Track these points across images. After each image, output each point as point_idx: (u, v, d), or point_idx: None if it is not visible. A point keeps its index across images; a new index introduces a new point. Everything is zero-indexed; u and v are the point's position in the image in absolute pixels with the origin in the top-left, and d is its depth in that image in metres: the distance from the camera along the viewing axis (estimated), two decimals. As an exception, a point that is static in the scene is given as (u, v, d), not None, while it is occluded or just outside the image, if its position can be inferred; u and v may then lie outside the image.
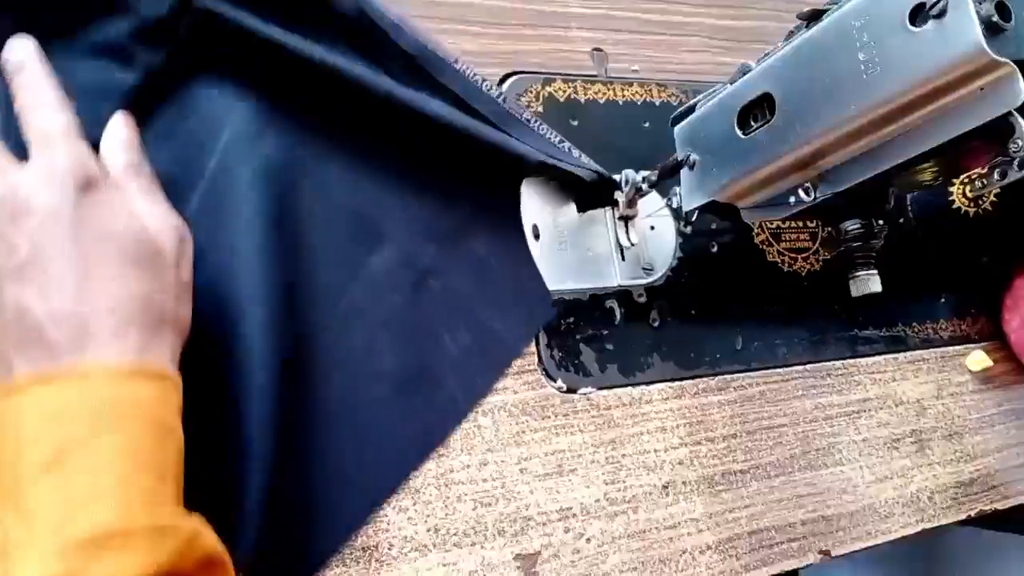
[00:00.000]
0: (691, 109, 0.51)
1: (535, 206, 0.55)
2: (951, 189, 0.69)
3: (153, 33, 0.41)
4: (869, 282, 0.49)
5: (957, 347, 0.68)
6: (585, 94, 0.60)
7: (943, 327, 0.67)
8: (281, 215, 0.42)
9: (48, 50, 0.38)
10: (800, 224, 0.64)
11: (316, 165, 0.46)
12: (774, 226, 0.63)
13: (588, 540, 0.50)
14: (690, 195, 0.51)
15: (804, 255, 0.64)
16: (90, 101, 0.39)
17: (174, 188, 0.40)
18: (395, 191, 0.48)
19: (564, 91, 0.59)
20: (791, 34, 0.46)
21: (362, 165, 0.47)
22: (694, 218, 0.54)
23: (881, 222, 0.48)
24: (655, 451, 0.54)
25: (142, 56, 0.41)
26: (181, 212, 0.39)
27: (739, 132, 0.46)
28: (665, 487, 0.53)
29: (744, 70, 0.47)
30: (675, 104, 0.63)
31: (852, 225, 0.49)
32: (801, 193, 0.45)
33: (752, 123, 0.46)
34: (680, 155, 0.51)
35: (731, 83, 0.48)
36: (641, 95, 0.62)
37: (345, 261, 0.45)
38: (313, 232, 0.45)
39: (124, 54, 0.41)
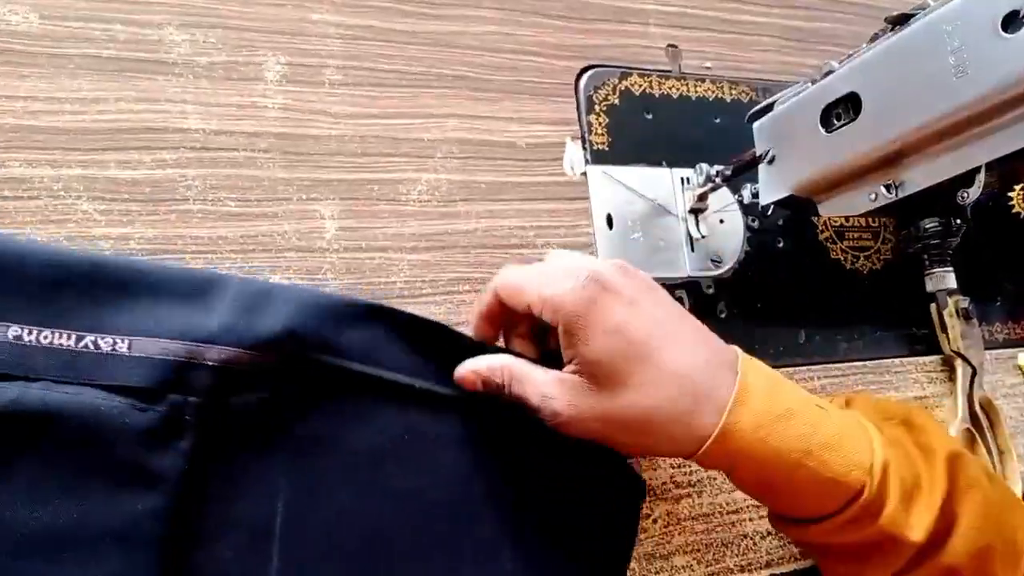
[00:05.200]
0: (770, 106, 0.53)
1: (608, 195, 0.57)
2: (1010, 194, 0.70)
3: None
4: (945, 278, 0.51)
5: (1011, 350, 0.68)
6: (660, 89, 0.61)
7: (998, 329, 0.68)
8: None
9: None
10: (864, 223, 0.66)
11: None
12: (838, 224, 0.64)
13: (655, 521, 0.51)
14: (768, 189, 0.52)
15: (866, 253, 0.65)
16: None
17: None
18: None
19: (640, 85, 0.61)
20: (875, 37, 0.47)
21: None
22: (770, 212, 0.55)
23: (959, 221, 0.49)
24: None
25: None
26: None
27: (823, 129, 0.48)
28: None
29: (828, 70, 0.48)
30: (746, 101, 0.64)
31: (931, 223, 0.50)
32: (883, 190, 0.46)
33: (835, 121, 0.47)
34: (759, 150, 0.52)
35: (814, 82, 0.49)
36: (713, 91, 0.63)
37: None
38: None
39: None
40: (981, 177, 0.48)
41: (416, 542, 0.41)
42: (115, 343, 0.37)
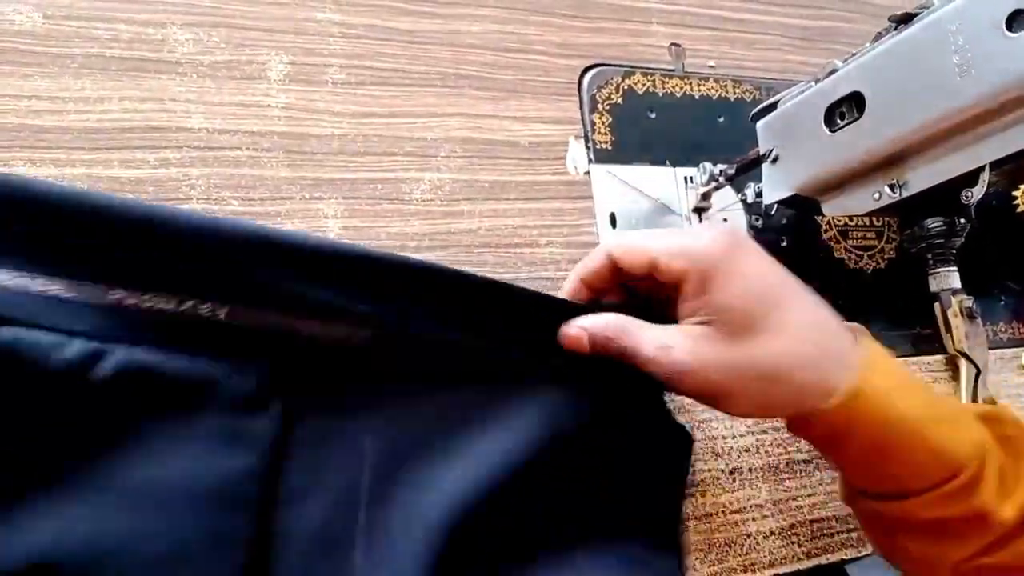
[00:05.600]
0: (773, 105, 0.53)
1: (612, 194, 0.57)
2: (1015, 193, 0.70)
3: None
4: (949, 278, 0.51)
5: (1015, 349, 0.68)
6: (663, 87, 0.61)
7: (1002, 329, 0.68)
8: None
9: None
10: (867, 223, 0.66)
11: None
12: (841, 223, 0.64)
13: (658, 520, 0.51)
14: (772, 188, 0.52)
15: (870, 252, 0.65)
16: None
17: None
18: None
19: (643, 84, 0.61)
20: (879, 36, 0.47)
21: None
22: (774, 211, 0.55)
23: (963, 220, 0.49)
24: (723, 438, 0.55)
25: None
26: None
27: (826, 129, 0.48)
28: (732, 473, 0.54)
29: (832, 69, 0.48)
30: (749, 100, 0.64)
31: (934, 223, 0.50)
32: (887, 189, 0.46)
33: (839, 120, 0.47)
34: (763, 149, 0.52)
35: (817, 81, 0.49)
36: (716, 90, 0.63)
37: None
38: None
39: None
40: (985, 176, 0.47)
41: (499, 507, 0.42)
42: (214, 309, 0.38)
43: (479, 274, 0.48)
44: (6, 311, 0.35)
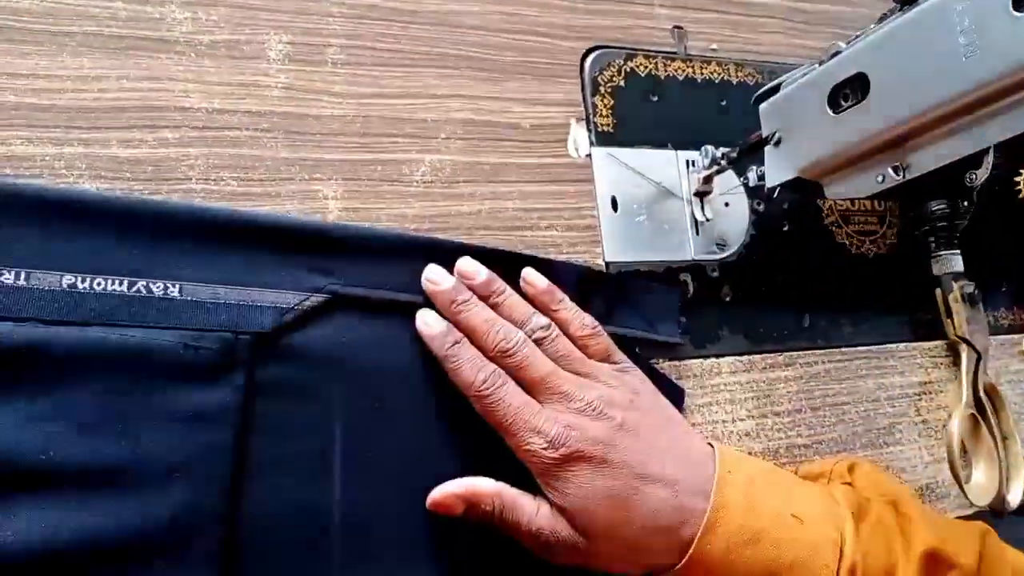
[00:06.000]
0: (776, 88, 0.52)
1: (613, 178, 0.57)
2: (1017, 179, 0.69)
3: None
4: (951, 261, 0.50)
5: (1016, 335, 0.68)
6: (665, 70, 0.61)
7: (1003, 315, 0.68)
8: None
9: None
10: (869, 207, 0.65)
11: None
12: (843, 208, 0.64)
13: (658, 503, 0.51)
14: (774, 171, 0.52)
15: (872, 237, 0.64)
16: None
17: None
18: None
19: (645, 67, 0.60)
20: (883, 17, 0.47)
21: None
22: (776, 194, 0.55)
23: (966, 203, 0.49)
24: (723, 422, 0.55)
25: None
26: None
27: (830, 111, 0.47)
28: None
29: (836, 51, 0.48)
30: (751, 83, 0.63)
31: (938, 205, 0.50)
32: (890, 172, 0.46)
33: (843, 103, 0.47)
34: (765, 132, 0.52)
35: (821, 63, 0.49)
36: (719, 73, 0.63)
37: None
38: None
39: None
40: (989, 159, 0.47)
41: (475, 457, 0.44)
42: (167, 288, 0.40)
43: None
44: None
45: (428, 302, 0.46)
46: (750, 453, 0.55)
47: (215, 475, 0.39)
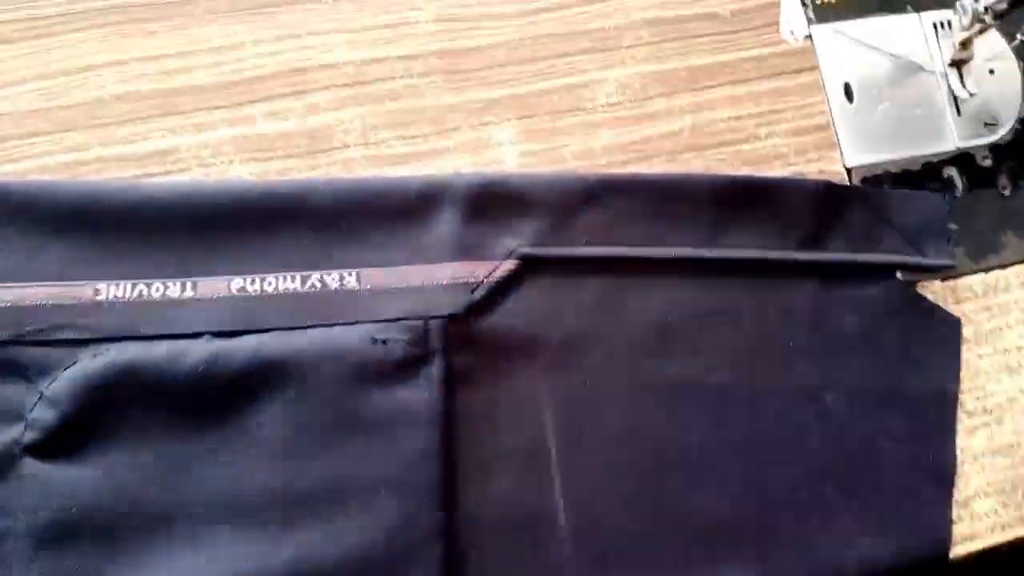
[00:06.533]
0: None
1: (843, 60, 0.46)
2: None
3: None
4: None
5: None
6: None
7: None
8: None
9: None
10: None
11: None
12: None
13: (942, 459, 0.42)
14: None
15: None
16: None
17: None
18: None
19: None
20: None
21: None
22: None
23: None
24: (1018, 348, 0.44)
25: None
26: None
27: None
28: None
29: None
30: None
31: None
32: None
33: None
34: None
35: None
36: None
37: None
38: None
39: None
40: None
41: (707, 435, 0.39)
42: (342, 278, 0.36)
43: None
44: (129, 328, 0.34)
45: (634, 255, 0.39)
46: None
47: (426, 483, 0.35)
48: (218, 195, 0.36)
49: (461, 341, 0.37)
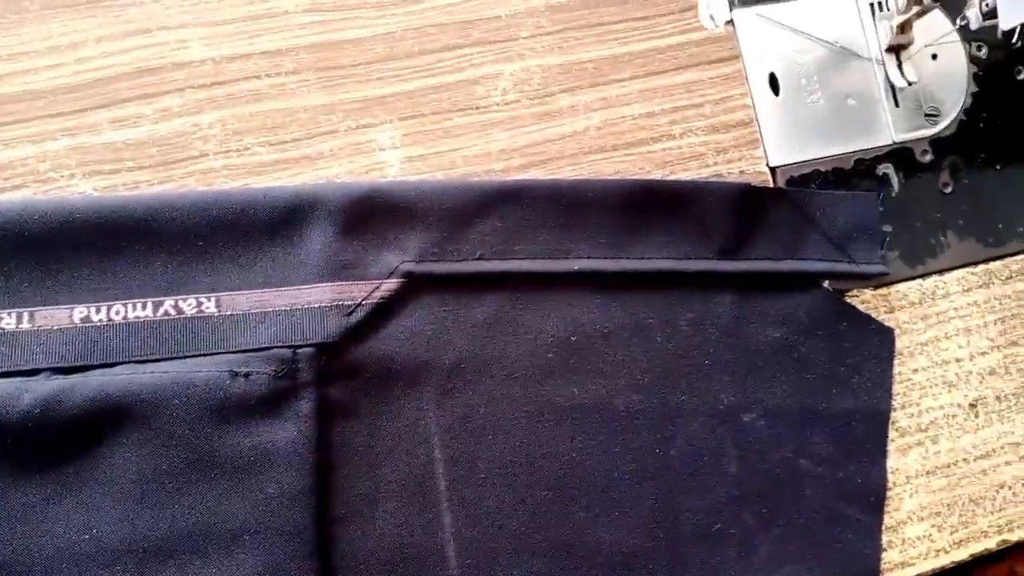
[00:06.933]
0: None
1: (768, 47, 0.43)
2: None
3: None
4: None
5: None
6: None
7: None
8: None
9: None
10: None
11: None
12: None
13: (875, 481, 0.40)
14: (1014, 5, 0.35)
15: None
16: None
17: None
18: None
19: None
20: None
21: None
22: (1015, 38, 0.38)
23: None
24: (957, 360, 0.42)
25: None
26: None
27: None
28: (973, 406, 0.42)
29: None
30: None
31: None
32: None
33: None
34: (997, -56, 0.35)
35: None
36: None
37: None
38: None
39: None
40: None
41: (613, 462, 0.36)
42: (200, 303, 0.33)
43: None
44: None
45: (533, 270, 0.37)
46: (998, 398, 0.42)
47: (295, 528, 0.32)
48: (57, 214, 0.32)
49: (336, 371, 0.34)
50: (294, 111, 0.37)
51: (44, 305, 0.32)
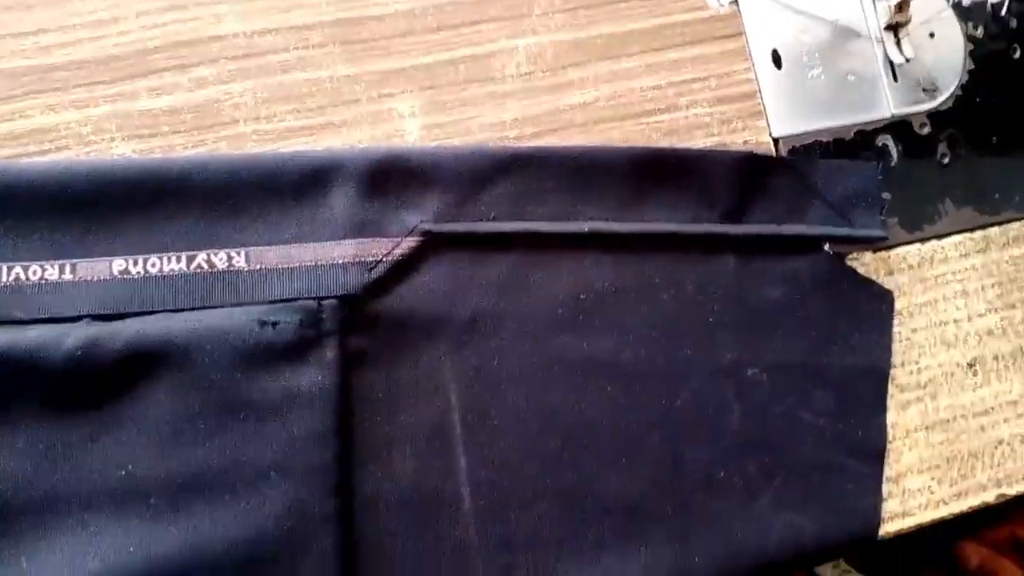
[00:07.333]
0: None
1: (771, 24, 0.44)
2: None
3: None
4: None
5: None
6: None
7: None
8: None
9: None
10: None
11: None
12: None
13: (877, 436, 0.40)
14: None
15: None
16: None
17: None
18: None
19: None
20: None
21: None
22: (1005, 11, 0.40)
23: None
24: (955, 321, 0.43)
25: None
26: None
27: None
28: (971, 365, 0.43)
29: None
30: None
31: None
32: None
33: None
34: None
35: None
36: None
37: None
38: None
39: None
40: None
41: (620, 414, 0.38)
42: (230, 258, 0.34)
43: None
44: (4, 313, 0.32)
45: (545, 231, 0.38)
46: (996, 357, 0.43)
47: (318, 468, 0.33)
48: (98, 173, 0.34)
49: (359, 322, 0.35)
50: (320, 81, 0.38)
51: (85, 257, 0.33)
